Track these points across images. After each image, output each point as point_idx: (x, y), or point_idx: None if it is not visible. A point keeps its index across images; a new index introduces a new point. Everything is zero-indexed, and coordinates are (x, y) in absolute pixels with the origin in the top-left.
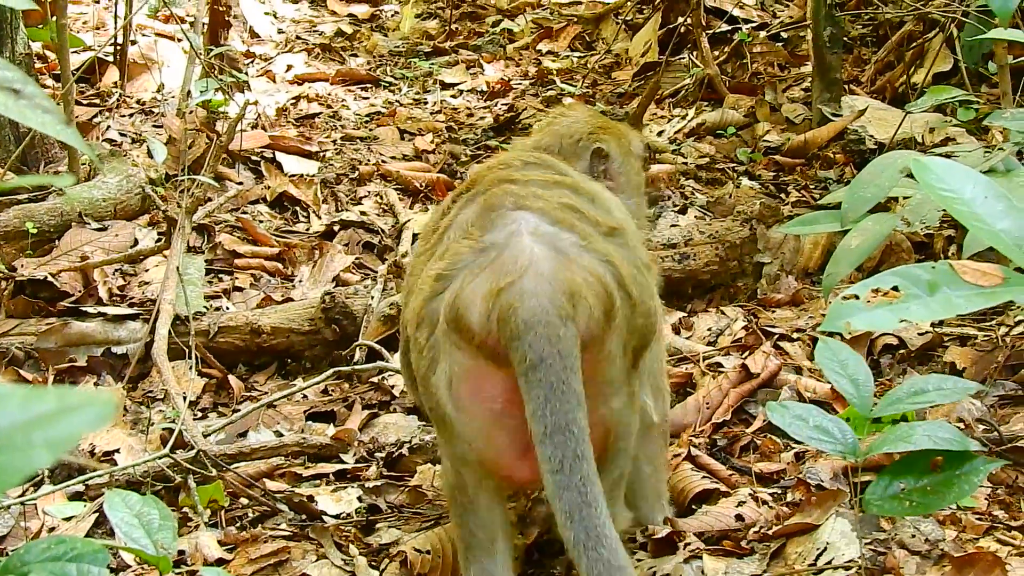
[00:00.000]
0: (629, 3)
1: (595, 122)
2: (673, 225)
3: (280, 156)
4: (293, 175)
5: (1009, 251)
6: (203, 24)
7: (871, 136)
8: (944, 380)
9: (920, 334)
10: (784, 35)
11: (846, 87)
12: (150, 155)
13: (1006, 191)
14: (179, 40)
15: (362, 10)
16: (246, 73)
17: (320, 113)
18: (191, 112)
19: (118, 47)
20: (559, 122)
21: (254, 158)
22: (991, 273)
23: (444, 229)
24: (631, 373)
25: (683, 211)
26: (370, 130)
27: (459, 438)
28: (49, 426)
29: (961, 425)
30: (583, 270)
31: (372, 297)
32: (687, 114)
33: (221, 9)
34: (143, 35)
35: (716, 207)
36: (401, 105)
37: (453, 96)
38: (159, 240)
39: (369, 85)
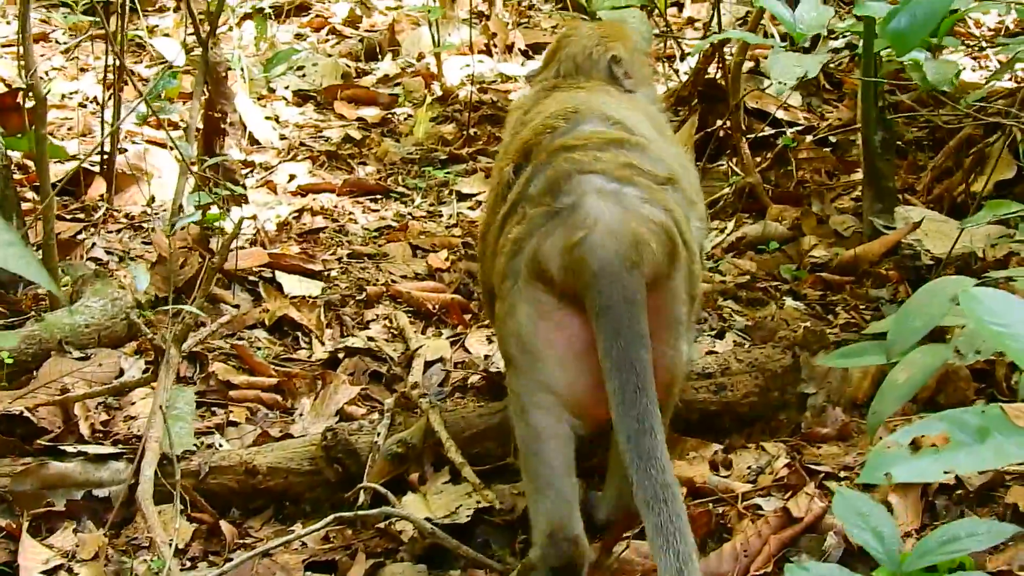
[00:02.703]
0: (663, 104)
1: (599, 32)
2: (709, 352)
3: (280, 276)
4: (294, 297)
5: None
6: (197, 131)
7: (927, 251)
8: (978, 525)
9: (979, 473)
10: (832, 139)
11: (900, 196)
12: None
13: None
14: (171, 148)
15: (372, 113)
16: (243, 185)
17: (325, 227)
18: (183, 228)
19: (105, 156)
20: (568, 45)
21: (252, 278)
22: None
23: (514, 201)
24: (690, 322)
25: (720, 335)
26: (379, 246)
27: (541, 375)
28: None
29: (1022, 574)
30: (646, 220)
31: (378, 434)
32: (726, 227)
33: (216, 115)
34: (133, 143)
35: (756, 332)
36: (414, 218)
37: (471, 208)
38: (147, 370)
39: (379, 196)
